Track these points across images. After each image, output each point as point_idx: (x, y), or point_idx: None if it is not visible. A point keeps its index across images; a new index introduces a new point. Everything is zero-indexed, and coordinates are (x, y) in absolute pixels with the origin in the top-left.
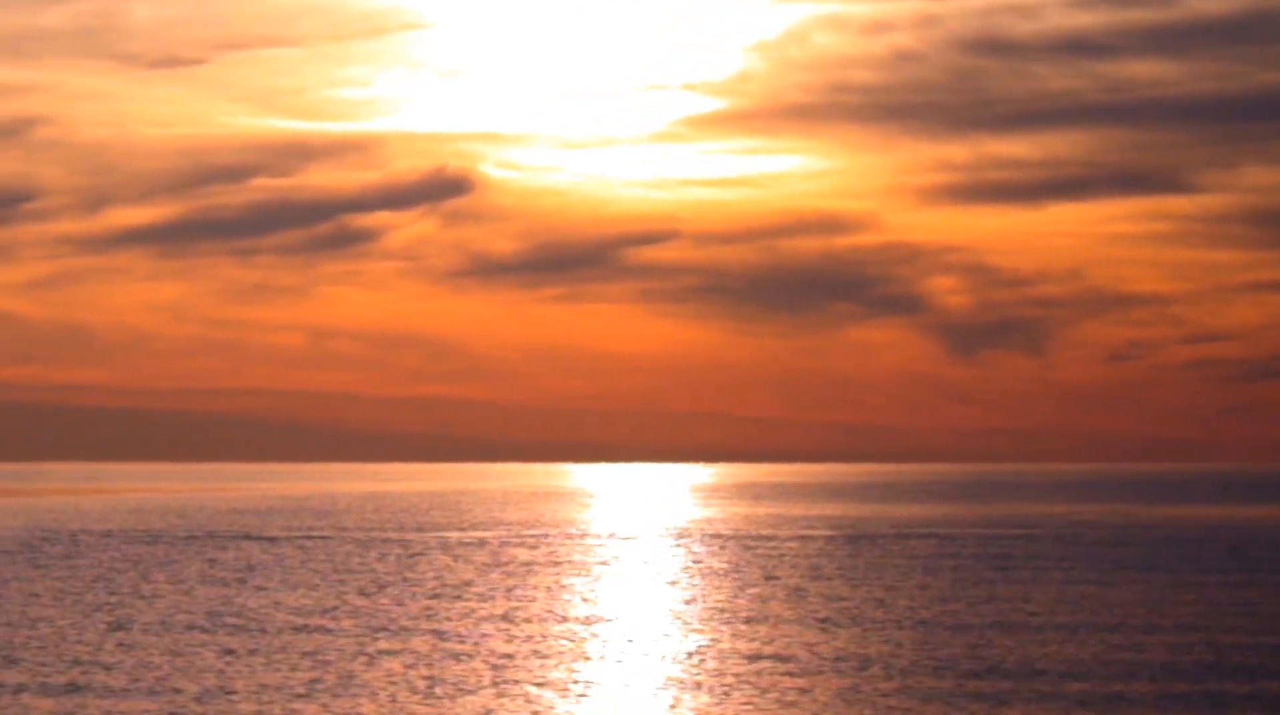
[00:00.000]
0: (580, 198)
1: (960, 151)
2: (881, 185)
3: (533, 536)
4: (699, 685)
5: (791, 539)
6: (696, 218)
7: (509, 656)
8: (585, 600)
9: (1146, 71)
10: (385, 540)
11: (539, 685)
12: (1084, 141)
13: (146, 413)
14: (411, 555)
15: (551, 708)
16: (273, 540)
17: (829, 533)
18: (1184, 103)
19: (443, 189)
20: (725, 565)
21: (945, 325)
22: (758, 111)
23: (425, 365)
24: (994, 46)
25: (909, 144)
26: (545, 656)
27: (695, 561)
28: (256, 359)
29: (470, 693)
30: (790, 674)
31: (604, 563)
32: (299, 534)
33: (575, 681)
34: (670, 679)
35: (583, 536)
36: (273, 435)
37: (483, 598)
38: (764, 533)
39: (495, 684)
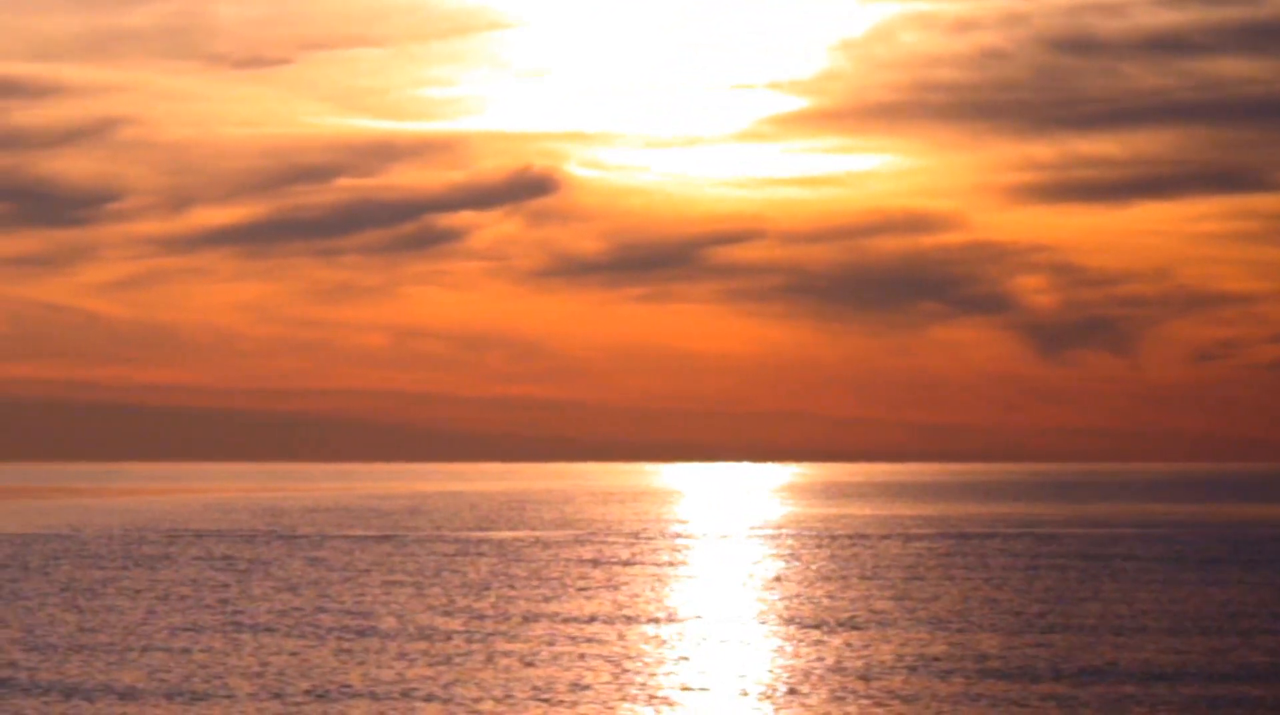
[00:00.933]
0: (665, 197)
1: (1047, 150)
2: (967, 184)
3: (627, 536)
4: (813, 688)
5: (886, 538)
6: (781, 217)
7: (621, 657)
8: (688, 599)
9: (1234, 69)
10: (481, 540)
11: (653, 686)
12: (1171, 140)
13: (230, 413)
14: (509, 554)
15: (670, 707)
16: (368, 540)
17: (923, 532)
18: (1272, 100)
19: (527, 188)
20: (823, 565)
21: (1031, 324)
22: (843, 110)
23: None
24: (1081, 45)
25: (995, 143)
26: (657, 657)
27: (793, 561)
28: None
29: (586, 688)
30: (905, 676)
31: (701, 562)
32: (393, 533)
33: (689, 683)
34: (782, 681)
35: (676, 536)
36: (357, 435)
37: (587, 596)
38: (860, 532)
39: (613, 682)
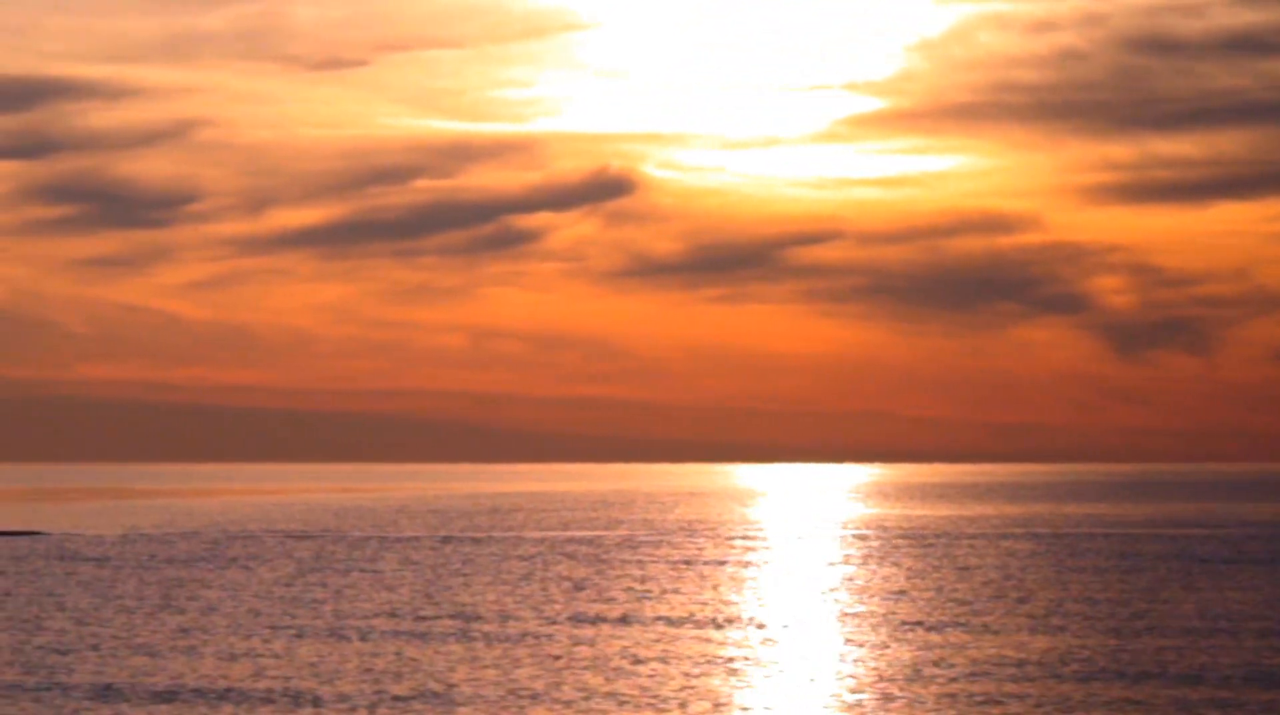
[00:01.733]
0: (742, 198)
1: (1124, 151)
2: (1045, 185)
3: (713, 536)
4: (923, 688)
5: (974, 538)
6: (859, 217)
7: (725, 658)
8: (784, 600)
9: None
10: (568, 539)
11: (758, 687)
12: (1249, 140)
13: (309, 414)
14: (598, 554)
15: (776, 710)
16: (458, 540)
17: (1008, 532)
18: None
19: (604, 189)
20: (914, 565)
21: (1109, 325)
22: (920, 111)
23: (587, 366)
24: (1159, 45)
25: (1073, 143)
26: (759, 658)
27: (883, 562)
28: (418, 360)
29: (691, 689)
30: (1015, 679)
31: (791, 563)
32: (481, 533)
33: (794, 684)
34: (889, 682)
35: (763, 536)
36: (434, 435)
37: (682, 597)
38: (946, 532)
39: (722, 684)
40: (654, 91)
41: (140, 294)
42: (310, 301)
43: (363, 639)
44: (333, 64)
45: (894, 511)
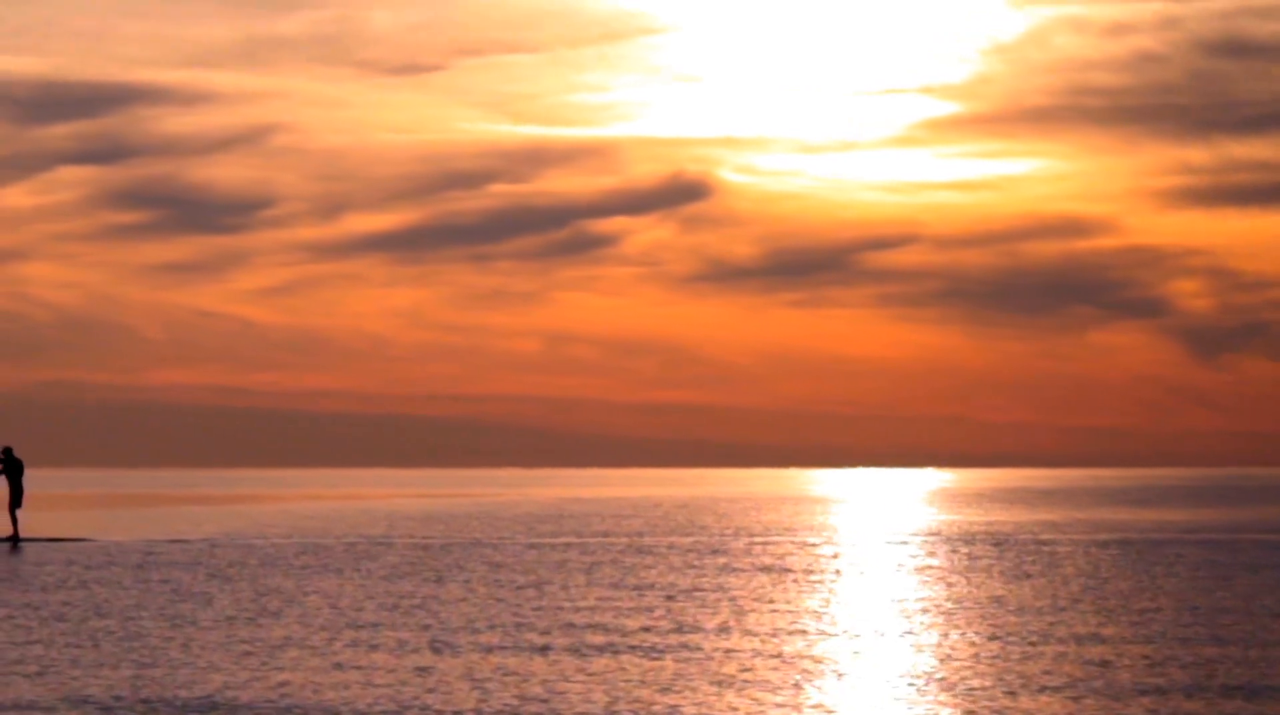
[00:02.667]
0: (818, 202)
1: (1202, 154)
2: (1122, 188)
3: (800, 542)
4: (1028, 705)
5: (1060, 544)
6: (935, 221)
7: (823, 669)
8: (882, 609)
9: None
10: (655, 545)
11: (873, 696)
12: None
13: (383, 418)
14: (687, 560)
15: None
16: (540, 546)
17: (1098, 538)
18: None
19: (680, 194)
20: (1005, 572)
21: (1187, 328)
22: (996, 114)
23: (662, 371)
24: (1236, 48)
25: (1150, 147)
26: (869, 667)
27: (975, 569)
28: (492, 365)
29: (803, 695)
30: (1115, 693)
31: (883, 569)
32: (564, 539)
33: (906, 695)
34: (1011, 692)
35: (852, 542)
36: (508, 440)
37: (773, 605)
38: (1036, 538)
39: (830, 693)
40: (730, 95)
41: (215, 299)
42: (384, 306)
43: (463, 649)
44: (408, 69)
45: (976, 517)
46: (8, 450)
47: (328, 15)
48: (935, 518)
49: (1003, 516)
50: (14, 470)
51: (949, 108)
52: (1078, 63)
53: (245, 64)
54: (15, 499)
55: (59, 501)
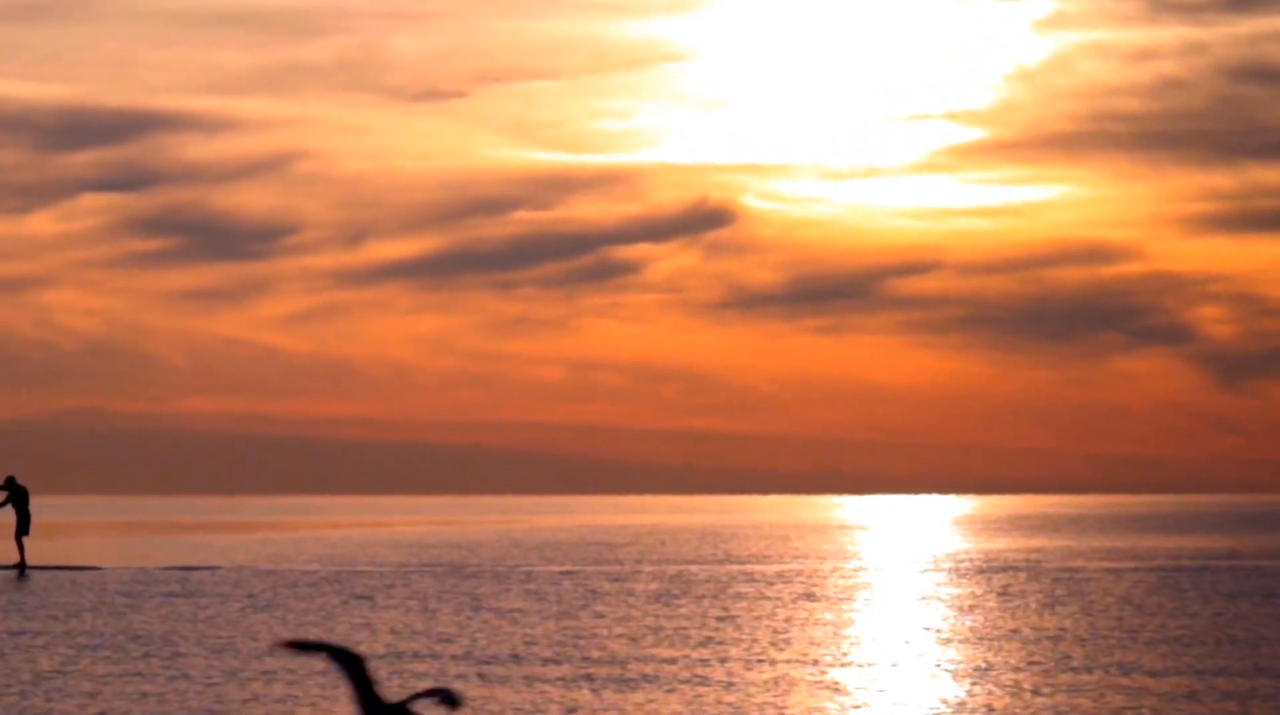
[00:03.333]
0: (843, 229)
1: (1227, 180)
2: (1147, 214)
3: (827, 570)
4: None
5: (1093, 572)
6: (960, 248)
7: (868, 701)
8: (923, 637)
9: None
10: (685, 573)
11: None
12: None
13: (408, 446)
14: (723, 589)
15: None
16: (575, 574)
17: (1127, 564)
18: None
19: (704, 221)
20: (1040, 601)
21: (1213, 355)
22: (1021, 140)
23: (686, 398)
24: (1262, 73)
25: (1175, 172)
26: (914, 700)
27: (1006, 597)
28: (517, 392)
29: None
30: None
31: (911, 598)
32: (596, 567)
33: None
34: None
35: (879, 569)
36: (533, 468)
37: (810, 634)
38: (1063, 564)
39: None
40: (754, 122)
41: (240, 327)
42: (409, 333)
43: (511, 680)
44: (432, 95)
45: (1004, 544)
46: (10, 479)
47: (351, 42)
48: (962, 545)
49: (1030, 543)
50: (18, 498)
51: (973, 133)
52: (1102, 88)
53: (269, 91)
54: (22, 526)
55: (83, 529)
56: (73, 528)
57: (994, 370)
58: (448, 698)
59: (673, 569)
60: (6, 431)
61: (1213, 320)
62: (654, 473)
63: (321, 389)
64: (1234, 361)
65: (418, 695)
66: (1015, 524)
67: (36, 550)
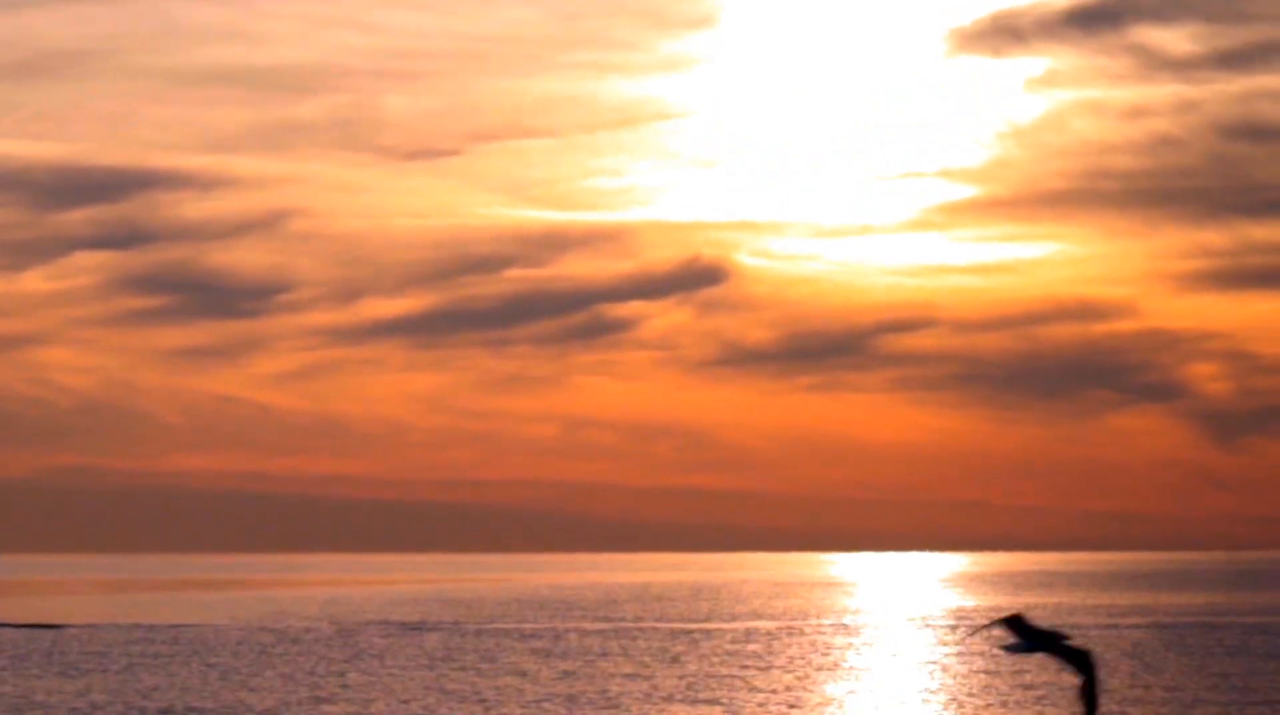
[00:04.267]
0: (835, 286)
1: (1220, 237)
2: (1140, 271)
3: (835, 626)
4: None
5: (1096, 628)
6: (953, 305)
7: None
8: (938, 697)
9: None
10: (685, 630)
11: None
12: None
13: (403, 504)
14: (726, 645)
15: None
16: (579, 631)
17: (1132, 622)
18: None
19: (697, 278)
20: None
21: (1205, 412)
22: (1014, 198)
23: (680, 455)
24: (1254, 131)
25: (1168, 230)
26: None
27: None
28: (511, 449)
29: None
30: None
31: (916, 656)
32: (599, 625)
33: None
34: None
35: (882, 628)
36: (527, 525)
37: (831, 685)
38: (1078, 621)
39: None
40: (746, 180)
41: (234, 384)
42: (403, 391)
43: None
44: (425, 154)
45: (1005, 600)
46: None
47: (344, 101)
48: (964, 602)
49: (1031, 600)
50: None
51: (966, 191)
52: (1095, 146)
53: (263, 149)
54: None
55: (80, 587)
56: (71, 586)
57: (987, 427)
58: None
59: (676, 626)
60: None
61: (1206, 377)
62: (647, 530)
63: (316, 446)
64: (1227, 418)
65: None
66: (1014, 581)
67: (34, 609)
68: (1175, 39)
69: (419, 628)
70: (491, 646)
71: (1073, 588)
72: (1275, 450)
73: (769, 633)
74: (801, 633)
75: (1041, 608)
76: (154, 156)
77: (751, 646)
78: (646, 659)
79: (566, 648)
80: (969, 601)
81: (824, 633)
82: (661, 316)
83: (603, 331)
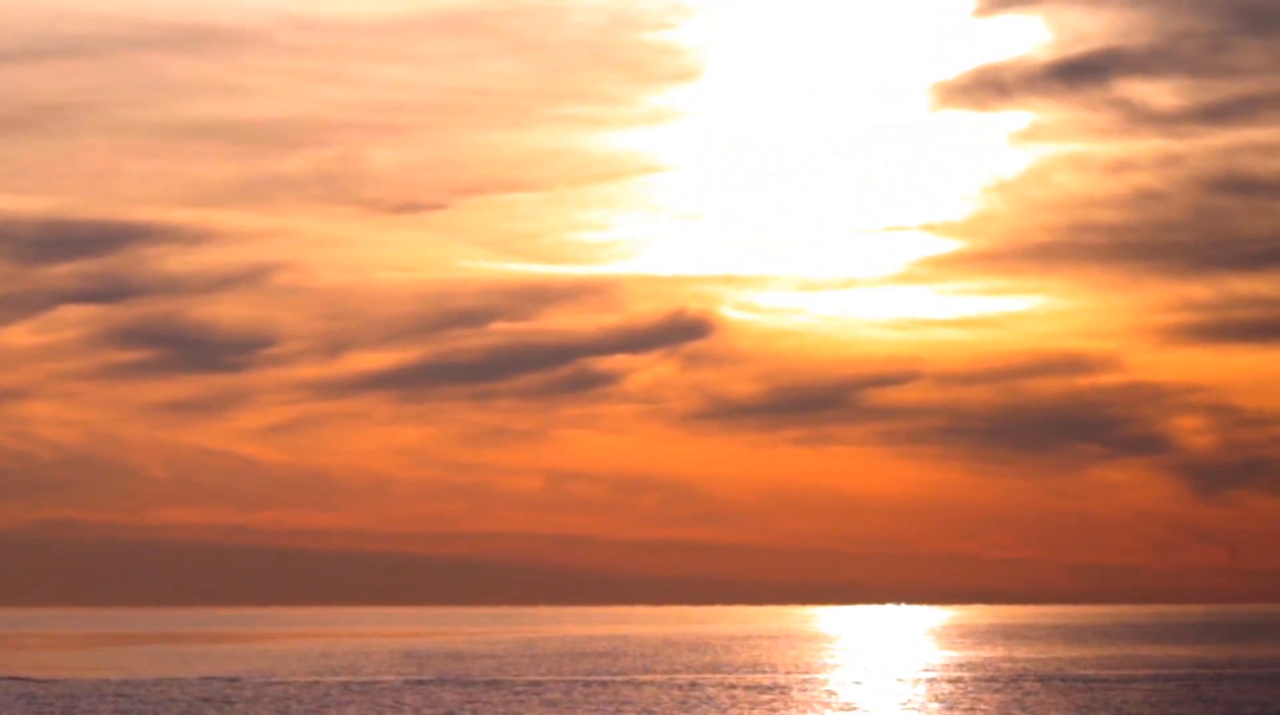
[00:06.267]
0: (820, 339)
1: (1204, 291)
2: (1124, 325)
3: (830, 680)
4: None
5: (1101, 680)
6: (937, 358)
7: None
8: None
9: None
10: (676, 683)
11: None
12: None
13: (386, 557)
14: (710, 696)
15: None
16: (585, 684)
17: (1131, 672)
18: None
19: (682, 331)
20: (1068, 710)
21: (1190, 465)
22: (998, 252)
23: (665, 508)
24: (1237, 185)
25: (1152, 283)
26: None
27: (1026, 705)
28: (496, 502)
29: None
30: None
31: (913, 710)
32: (595, 677)
33: None
34: None
35: (874, 680)
36: (512, 578)
37: None
38: (1062, 673)
39: None
40: (731, 233)
41: (218, 438)
42: (387, 444)
43: None
44: (410, 207)
45: (995, 653)
46: None
47: (329, 154)
48: (953, 655)
49: (1022, 654)
50: None
51: (950, 245)
52: (1079, 200)
53: (247, 203)
54: None
55: (70, 641)
56: (59, 640)
57: (971, 480)
58: None
59: (679, 678)
60: None
61: (1190, 430)
62: (633, 583)
63: (300, 500)
64: (1211, 471)
65: None
66: (1001, 633)
67: (22, 662)
68: (1159, 93)
69: (426, 683)
70: (497, 699)
71: (1065, 640)
72: (1259, 503)
73: (758, 686)
74: (795, 687)
75: (1041, 660)
76: (139, 210)
77: (767, 696)
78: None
79: (574, 699)
80: (955, 655)
81: (819, 686)
82: (646, 370)
83: (588, 385)
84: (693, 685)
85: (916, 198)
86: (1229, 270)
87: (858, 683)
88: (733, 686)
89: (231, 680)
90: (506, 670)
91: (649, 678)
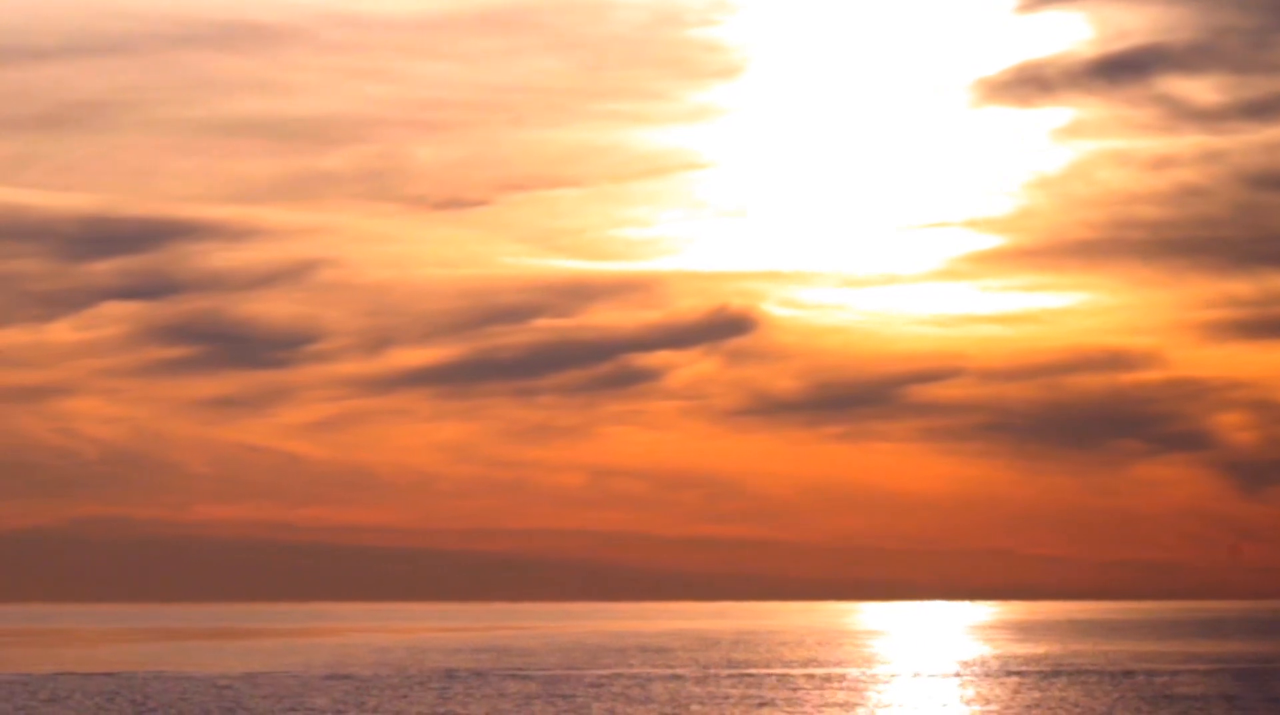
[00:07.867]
0: (862, 336)
1: (1247, 287)
2: (1166, 321)
3: (872, 675)
4: None
5: (1164, 674)
6: (980, 355)
7: None
8: None
9: None
10: (724, 675)
11: None
12: None
13: (429, 553)
14: (767, 691)
15: None
16: (645, 677)
17: (1193, 667)
18: None
19: (724, 328)
20: (1147, 701)
21: (1232, 461)
22: (1041, 248)
23: (707, 504)
24: (1278, 181)
25: (1194, 279)
26: None
27: (1092, 696)
28: (538, 499)
29: None
30: None
31: (960, 705)
32: (657, 669)
33: None
34: None
35: (921, 675)
36: (554, 575)
37: None
38: (1141, 668)
39: None
40: (773, 230)
41: (261, 434)
42: (430, 441)
43: None
44: (453, 204)
45: (1030, 650)
46: None
47: (372, 151)
48: (992, 650)
49: (1057, 649)
50: None
51: (993, 241)
52: (1121, 196)
53: (291, 200)
54: None
55: (126, 636)
56: (109, 635)
57: (1013, 477)
58: None
59: (744, 672)
60: (28, 539)
61: (1233, 426)
62: (675, 579)
63: (343, 496)
64: (1254, 467)
65: None
66: (1038, 629)
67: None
68: (1200, 89)
69: (498, 675)
70: (575, 690)
71: (1120, 636)
72: None
73: (822, 680)
74: (852, 681)
75: (1064, 655)
76: (182, 207)
77: (790, 693)
78: (741, 708)
79: (651, 693)
80: (996, 650)
81: (873, 682)
82: (689, 366)
83: (630, 381)
84: (760, 678)
85: (959, 194)
86: (1271, 266)
87: (909, 678)
88: (777, 677)
89: (343, 677)
90: (569, 663)
91: (711, 672)
